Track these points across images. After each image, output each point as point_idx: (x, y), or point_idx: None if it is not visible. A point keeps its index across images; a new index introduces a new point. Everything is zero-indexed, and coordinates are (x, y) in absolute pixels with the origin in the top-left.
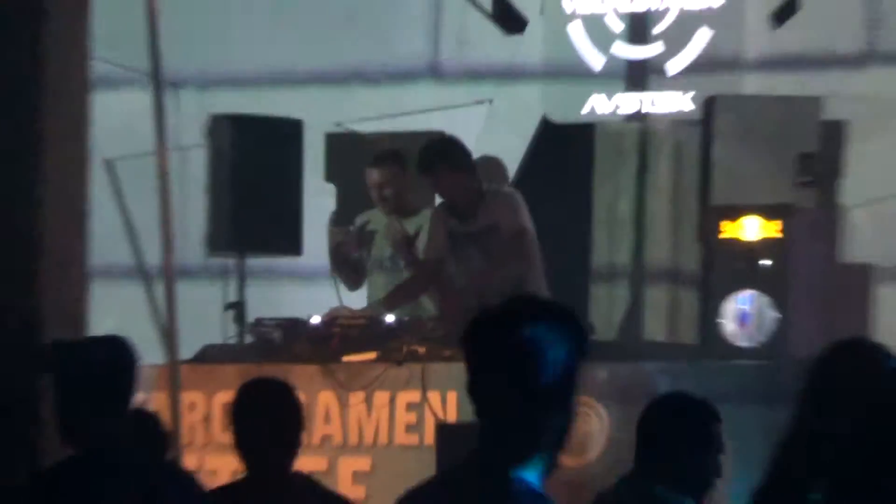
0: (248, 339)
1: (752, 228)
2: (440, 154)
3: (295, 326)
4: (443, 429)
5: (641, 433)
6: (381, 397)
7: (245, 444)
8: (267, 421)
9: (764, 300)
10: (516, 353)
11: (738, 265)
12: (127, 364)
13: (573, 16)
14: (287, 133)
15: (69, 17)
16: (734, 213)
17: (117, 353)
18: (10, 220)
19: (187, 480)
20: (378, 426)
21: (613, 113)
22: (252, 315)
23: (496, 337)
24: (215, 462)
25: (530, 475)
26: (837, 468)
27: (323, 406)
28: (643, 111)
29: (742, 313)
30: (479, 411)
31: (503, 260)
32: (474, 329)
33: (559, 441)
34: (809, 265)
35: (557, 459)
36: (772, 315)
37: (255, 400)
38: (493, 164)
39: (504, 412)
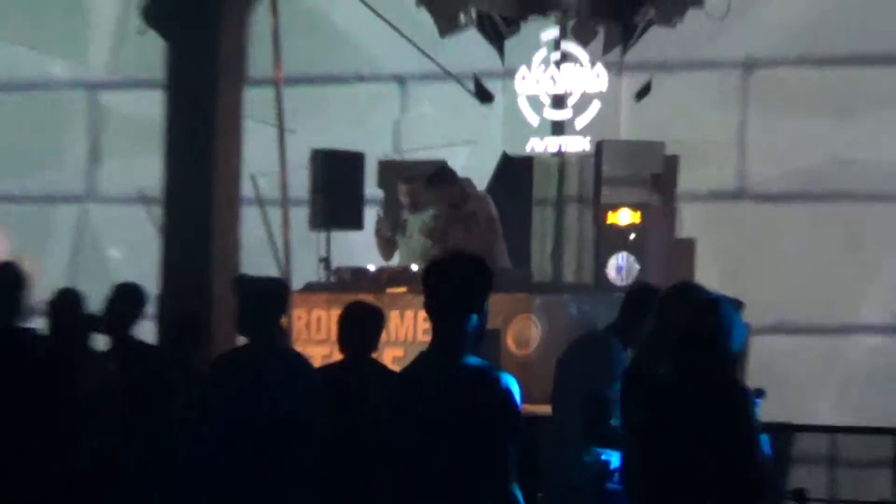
0: (332, 278)
1: (624, 217)
2: (439, 177)
3: (359, 272)
4: None
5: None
6: (409, 313)
7: (345, 339)
8: (361, 325)
9: (631, 259)
10: (459, 285)
11: (617, 238)
12: (277, 293)
13: (520, 93)
14: (355, 160)
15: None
16: (614, 207)
17: (275, 286)
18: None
19: (305, 360)
20: (407, 330)
21: (545, 150)
22: (335, 264)
23: (445, 276)
24: (312, 351)
25: (471, 359)
26: (674, 354)
27: None
28: (562, 150)
29: (619, 266)
30: (434, 322)
31: (479, 236)
32: (429, 270)
33: (480, 336)
34: (657, 239)
35: (479, 349)
36: (636, 267)
37: (354, 312)
38: (468, 181)
39: (449, 322)
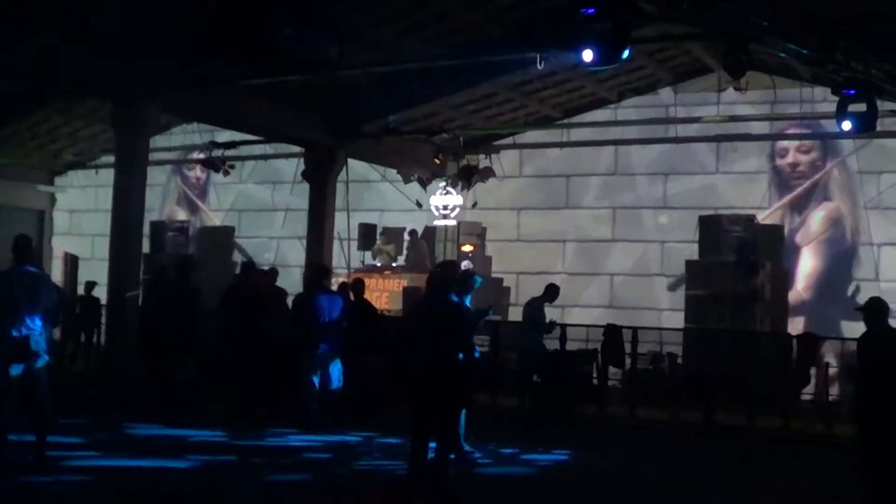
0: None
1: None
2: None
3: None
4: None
5: None
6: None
7: (432, 282)
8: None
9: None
10: (443, 278)
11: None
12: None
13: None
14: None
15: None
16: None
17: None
18: None
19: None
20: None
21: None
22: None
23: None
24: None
25: (453, 296)
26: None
27: None
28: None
29: None
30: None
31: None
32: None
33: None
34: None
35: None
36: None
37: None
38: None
39: (437, 286)
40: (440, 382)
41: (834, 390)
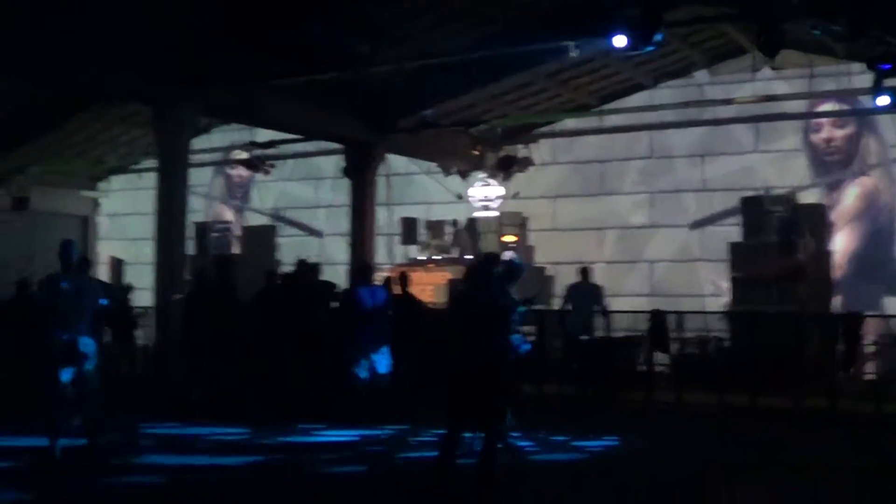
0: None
1: None
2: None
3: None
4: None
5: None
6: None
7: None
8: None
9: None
10: (484, 269)
11: None
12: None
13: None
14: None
15: None
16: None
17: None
18: None
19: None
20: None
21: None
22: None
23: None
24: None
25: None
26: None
27: None
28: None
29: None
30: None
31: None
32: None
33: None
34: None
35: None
36: None
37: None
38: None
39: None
40: (479, 375)
41: (872, 367)
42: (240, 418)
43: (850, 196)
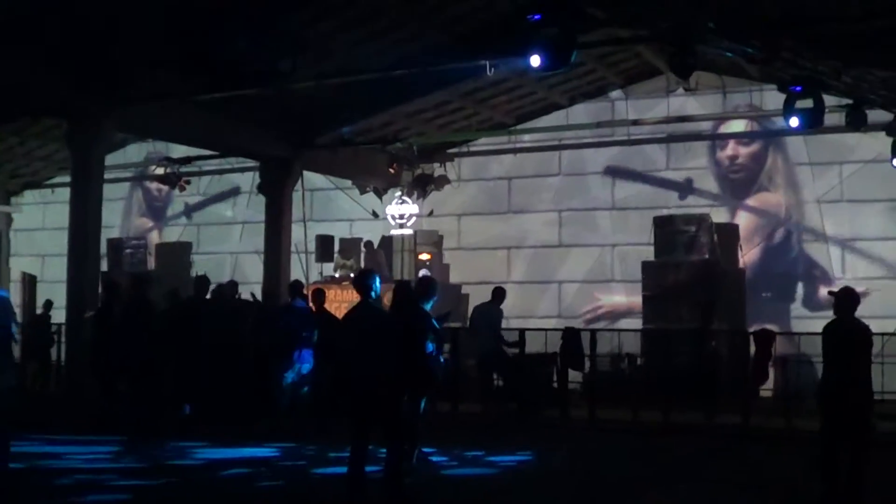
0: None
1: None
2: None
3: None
4: None
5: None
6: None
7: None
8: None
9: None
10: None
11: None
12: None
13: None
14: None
15: None
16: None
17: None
18: None
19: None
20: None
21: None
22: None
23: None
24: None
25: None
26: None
27: None
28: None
29: None
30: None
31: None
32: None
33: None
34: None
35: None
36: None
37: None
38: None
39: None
40: (374, 389)
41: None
42: (155, 433)
43: (757, 213)
